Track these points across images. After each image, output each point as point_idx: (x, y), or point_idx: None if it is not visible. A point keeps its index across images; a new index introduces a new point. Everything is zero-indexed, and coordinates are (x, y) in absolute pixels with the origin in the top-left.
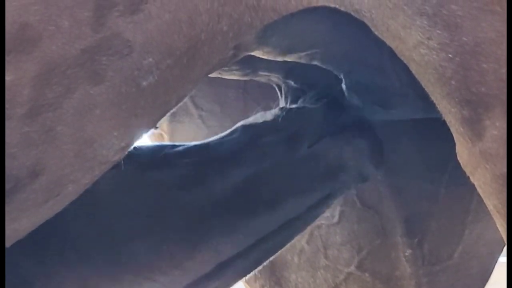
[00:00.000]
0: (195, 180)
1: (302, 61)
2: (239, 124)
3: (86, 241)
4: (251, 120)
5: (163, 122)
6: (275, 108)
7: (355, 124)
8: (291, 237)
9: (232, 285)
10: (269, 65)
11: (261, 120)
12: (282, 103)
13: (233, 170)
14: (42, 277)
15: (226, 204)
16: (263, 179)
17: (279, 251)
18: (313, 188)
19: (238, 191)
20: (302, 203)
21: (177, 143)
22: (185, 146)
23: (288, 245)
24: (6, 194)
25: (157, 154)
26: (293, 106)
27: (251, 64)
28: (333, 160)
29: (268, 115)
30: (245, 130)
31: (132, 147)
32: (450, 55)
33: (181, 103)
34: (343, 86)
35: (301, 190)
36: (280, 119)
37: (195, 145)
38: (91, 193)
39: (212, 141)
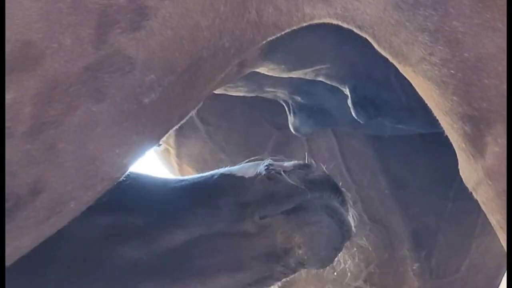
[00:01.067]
0: (135, 235)
1: (308, 77)
2: (219, 171)
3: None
4: (234, 170)
5: (170, 137)
6: (265, 160)
7: (321, 204)
8: None
9: None
10: (275, 81)
11: (239, 174)
12: (290, 119)
13: (179, 230)
14: None
15: (159, 266)
16: (202, 246)
17: None
18: (251, 267)
19: (175, 254)
20: (237, 281)
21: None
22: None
23: None
24: (7, 212)
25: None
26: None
27: (257, 80)
28: (280, 241)
29: (250, 171)
30: (220, 181)
31: None
32: (452, 71)
33: (184, 120)
34: (349, 101)
35: (238, 267)
36: (254, 181)
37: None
38: None
39: (178, 185)
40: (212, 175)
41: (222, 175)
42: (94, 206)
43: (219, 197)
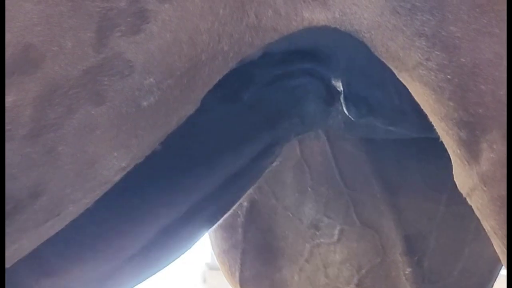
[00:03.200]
0: None
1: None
2: None
3: None
4: None
5: None
6: None
7: (303, 69)
8: (240, 193)
9: (178, 256)
10: None
11: None
12: None
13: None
14: None
15: (164, 162)
16: (197, 135)
17: (230, 211)
18: (250, 138)
19: (173, 149)
20: (242, 156)
21: None
22: None
23: (288, 263)
24: (6, 216)
25: None
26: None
27: None
28: (271, 108)
29: None
30: None
31: None
32: (448, 76)
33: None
34: (341, 97)
35: (237, 142)
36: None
37: None
38: None
39: None
40: None
41: None
42: None
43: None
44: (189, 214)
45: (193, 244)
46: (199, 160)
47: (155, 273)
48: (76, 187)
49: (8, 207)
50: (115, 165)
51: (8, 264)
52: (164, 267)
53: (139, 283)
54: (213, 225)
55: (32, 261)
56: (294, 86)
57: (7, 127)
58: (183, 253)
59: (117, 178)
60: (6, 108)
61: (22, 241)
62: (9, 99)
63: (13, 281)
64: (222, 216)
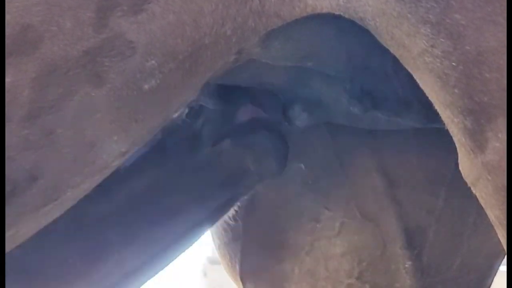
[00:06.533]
0: (96, 192)
1: (304, 66)
2: None
3: None
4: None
5: None
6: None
7: (259, 126)
8: (196, 241)
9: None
10: (271, 71)
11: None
12: (284, 112)
13: (135, 178)
14: None
15: (126, 215)
16: (164, 186)
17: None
18: (215, 194)
19: (138, 200)
20: (204, 209)
21: None
22: None
23: (288, 256)
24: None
25: None
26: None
27: (254, 69)
28: (235, 165)
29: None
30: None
31: None
32: (453, 63)
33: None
34: (345, 93)
35: (202, 196)
36: (184, 117)
37: None
38: None
39: None
40: None
41: None
42: None
43: (169, 137)
44: (153, 259)
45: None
46: (165, 211)
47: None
48: (74, 171)
49: (6, 190)
50: (114, 150)
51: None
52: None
53: None
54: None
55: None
56: (252, 143)
57: (5, 108)
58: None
59: (117, 163)
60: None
61: (20, 226)
62: (7, 80)
63: None
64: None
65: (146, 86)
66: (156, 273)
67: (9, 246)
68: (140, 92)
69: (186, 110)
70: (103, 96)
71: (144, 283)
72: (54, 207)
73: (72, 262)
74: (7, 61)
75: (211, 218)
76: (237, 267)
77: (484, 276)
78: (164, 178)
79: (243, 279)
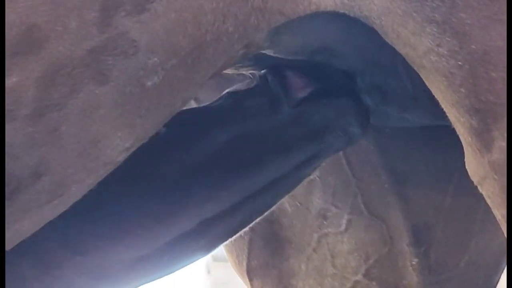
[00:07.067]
0: (180, 140)
1: (315, 59)
2: (225, 91)
3: None
4: (235, 87)
5: None
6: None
7: (339, 86)
8: (277, 198)
9: (217, 246)
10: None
11: (245, 87)
12: None
13: (218, 131)
14: None
15: (211, 163)
16: (247, 139)
17: (265, 213)
18: (297, 148)
19: (222, 151)
20: (287, 163)
21: None
22: None
23: (295, 253)
24: (9, 195)
25: None
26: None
27: (265, 61)
28: (316, 120)
29: (252, 83)
30: (230, 95)
31: None
32: (459, 63)
33: (186, 104)
34: (355, 88)
35: (285, 150)
36: (262, 84)
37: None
38: None
39: (198, 106)
40: (220, 98)
41: (229, 93)
42: None
43: (247, 100)
44: (226, 212)
45: (220, 244)
46: (249, 161)
47: (183, 266)
48: (79, 167)
49: (10, 187)
50: (119, 145)
51: (8, 247)
52: (192, 261)
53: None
54: (243, 228)
55: (60, 237)
56: (333, 102)
57: (9, 108)
58: (213, 250)
59: (121, 158)
60: (9, 89)
61: (24, 221)
62: (12, 80)
63: (38, 256)
64: (253, 221)
65: (149, 83)
66: (233, 227)
67: (12, 243)
68: (143, 89)
69: (270, 77)
70: (107, 93)
71: (220, 235)
72: (59, 203)
73: (150, 204)
74: (12, 61)
75: (293, 174)
76: (244, 263)
77: (492, 274)
78: (246, 134)
79: (250, 276)
